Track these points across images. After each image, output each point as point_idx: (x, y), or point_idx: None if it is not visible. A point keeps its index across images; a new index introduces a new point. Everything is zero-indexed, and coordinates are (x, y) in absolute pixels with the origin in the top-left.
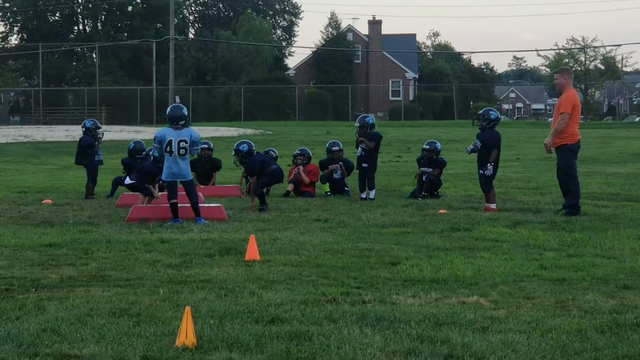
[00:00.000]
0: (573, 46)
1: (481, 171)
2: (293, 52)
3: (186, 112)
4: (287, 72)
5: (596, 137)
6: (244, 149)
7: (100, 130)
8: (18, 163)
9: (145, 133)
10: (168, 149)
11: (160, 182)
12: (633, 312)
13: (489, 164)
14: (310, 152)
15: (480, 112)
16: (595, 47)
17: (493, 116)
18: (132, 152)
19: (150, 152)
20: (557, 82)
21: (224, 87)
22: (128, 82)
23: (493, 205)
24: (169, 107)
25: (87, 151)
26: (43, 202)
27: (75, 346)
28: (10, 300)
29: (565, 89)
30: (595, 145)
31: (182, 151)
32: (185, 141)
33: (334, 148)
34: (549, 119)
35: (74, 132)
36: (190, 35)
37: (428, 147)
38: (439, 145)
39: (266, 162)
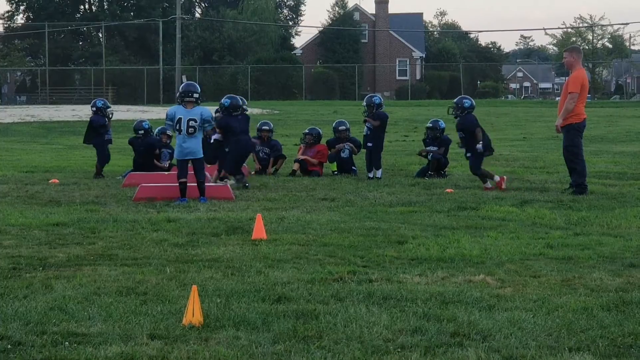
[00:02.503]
0: (581, 25)
1: (469, 154)
2: (300, 31)
3: (199, 89)
4: (294, 52)
5: (603, 116)
6: (226, 103)
7: (109, 109)
8: (25, 143)
9: (151, 113)
10: (178, 127)
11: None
12: (639, 290)
13: (477, 145)
14: (320, 132)
15: (454, 100)
16: (602, 25)
17: (467, 104)
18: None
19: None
20: (566, 61)
21: (230, 66)
22: (134, 62)
23: (489, 184)
24: (182, 85)
25: (99, 131)
26: (50, 181)
27: (82, 324)
28: (17, 279)
29: (574, 68)
30: (602, 124)
31: (191, 130)
32: (195, 120)
33: (340, 127)
34: (557, 98)
35: (81, 112)
36: (197, 15)
37: (431, 125)
38: (442, 123)
39: (234, 128)
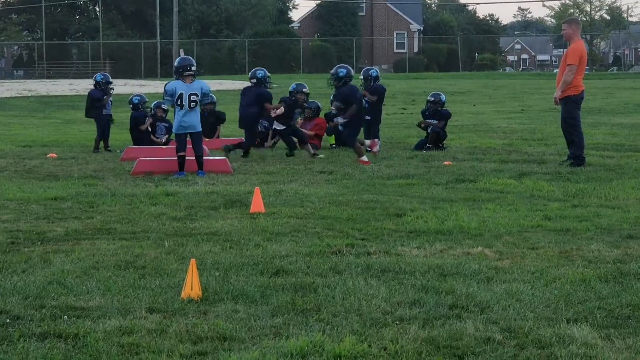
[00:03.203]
0: None
1: (343, 125)
2: (297, 4)
3: (195, 63)
4: (291, 25)
5: (601, 87)
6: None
7: (111, 85)
8: (22, 117)
9: (149, 87)
10: (179, 102)
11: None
12: (637, 262)
13: (342, 117)
14: (319, 105)
15: (332, 71)
16: None
17: (342, 73)
18: (137, 106)
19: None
20: (565, 33)
21: (228, 40)
22: (132, 36)
23: (365, 158)
24: (177, 59)
25: (95, 104)
26: (48, 156)
27: (81, 298)
28: (16, 253)
29: (572, 40)
30: (600, 95)
31: (192, 104)
32: (196, 94)
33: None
34: (555, 70)
35: (78, 86)
36: None
37: (432, 98)
38: (443, 97)
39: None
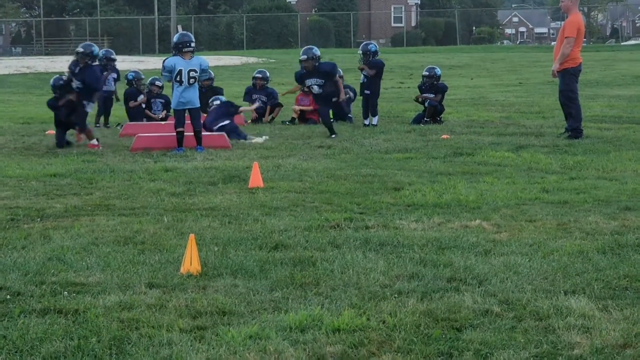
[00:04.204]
0: None
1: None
2: None
3: (193, 39)
4: (289, 0)
5: (599, 60)
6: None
7: (114, 62)
8: (21, 94)
9: (148, 63)
10: (178, 78)
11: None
12: (634, 233)
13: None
14: None
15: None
16: None
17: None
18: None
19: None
20: (563, 5)
21: (225, 15)
22: (129, 12)
23: (94, 141)
24: (176, 35)
25: None
26: (47, 132)
27: (81, 274)
28: (15, 230)
29: (570, 12)
30: (598, 68)
31: (191, 80)
32: (195, 70)
33: None
34: (552, 43)
35: None
36: None
37: (427, 73)
38: (438, 70)
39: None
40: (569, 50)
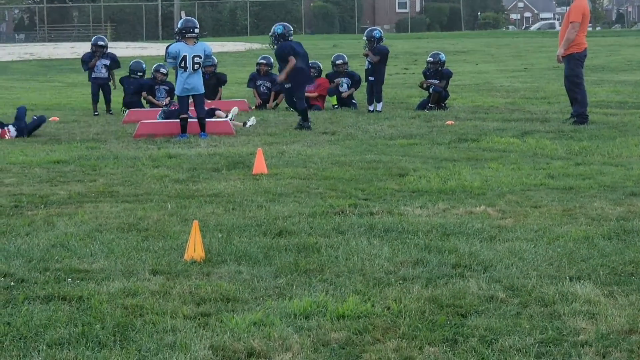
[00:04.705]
0: None
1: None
2: None
3: (198, 25)
4: None
5: (605, 45)
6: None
7: (103, 48)
8: (24, 81)
9: (151, 49)
10: (182, 65)
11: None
12: None
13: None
14: (320, 65)
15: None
16: None
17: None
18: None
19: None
20: None
21: (229, 1)
22: None
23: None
24: (180, 21)
25: (83, 67)
26: (50, 119)
27: (84, 261)
28: (19, 217)
29: None
30: (604, 53)
31: (196, 66)
32: (200, 56)
33: (338, 61)
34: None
35: (80, 50)
36: None
37: (432, 59)
38: (442, 56)
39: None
40: (574, 35)
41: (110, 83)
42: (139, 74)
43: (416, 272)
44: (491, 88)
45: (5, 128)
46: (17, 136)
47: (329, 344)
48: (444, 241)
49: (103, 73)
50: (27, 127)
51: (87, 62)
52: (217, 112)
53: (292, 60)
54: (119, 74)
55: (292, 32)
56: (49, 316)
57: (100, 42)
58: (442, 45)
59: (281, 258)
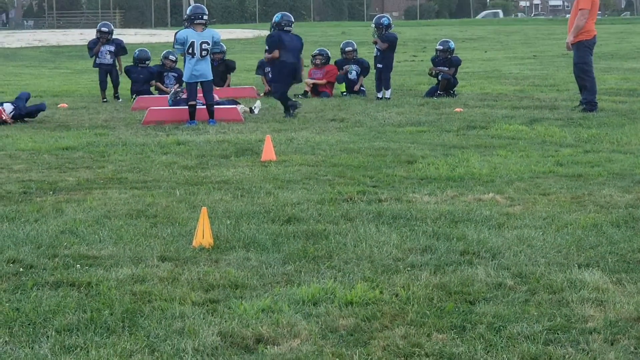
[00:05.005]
0: None
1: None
2: None
3: (207, 11)
4: None
5: (614, 32)
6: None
7: (107, 34)
8: (33, 67)
9: (160, 36)
10: (190, 51)
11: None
12: None
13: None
14: (328, 53)
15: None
16: None
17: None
18: (136, 60)
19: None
20: None
21: None
22: None
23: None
24: (189, 7)
25: (89, 53)
26: (59, 106)
27: (93, 247)
28: (28, 203)
29: None
30: (613, 40)
31: (204, 53)
32: (207, 42)
33: (347, 48)
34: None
35: (88, 36)
36: None
37: (441, 47)
38: (452, 44)
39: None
40: (583, 23)
41: (118, 69)
42: (146, 62)
43: (424, 259)
44: (500, 75)
45: (1, 107)
46: (12, 115)
47: (337, 331)
48: (452, 228)
49: (107, 59)
50: (25, 109)
51: (92, 48)
52: (239, 107)
53: (275, 54)
54: (126, 60)
55: (291, 22)
56: (57, 302)
57: (103, 29)
58: (451, 33)
59: (289, 245)
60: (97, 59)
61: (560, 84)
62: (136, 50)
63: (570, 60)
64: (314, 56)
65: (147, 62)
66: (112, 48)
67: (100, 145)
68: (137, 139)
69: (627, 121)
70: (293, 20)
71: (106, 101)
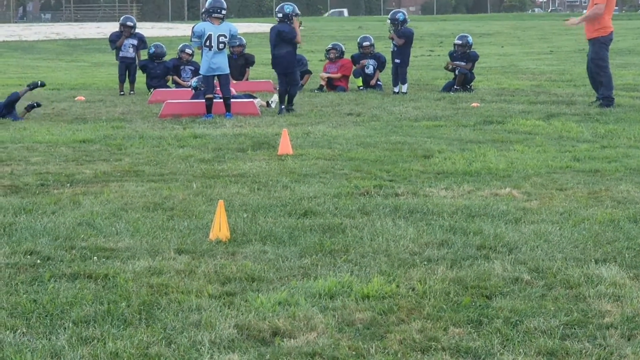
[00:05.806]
0: None
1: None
2: None
3: (225, 6)
4: None
5: (631, 28)
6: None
7: (131, 28)
8: (50, 60)
9: (177, 30)
10: (208, 43)
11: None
12: None
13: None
14: (342, 47)
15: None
16: None
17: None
18: (152, 56)
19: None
20: None
21: None
22: None
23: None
24: (208, 1)
25: (110, 46)
26: (76, 99)
27: (110, 239)
28: (45, 195)
29: None
30: (630, 36)
31: (221, 45)
32: (225, 35)
33: (364, 43)
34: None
35: (105, 29)
36: None
37: (460, 42)
38: (470, 39)
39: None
40: (595, 13)
41: (136, 64)
42: (163, 58)
43: (441, 254)
44: (517, 70)
45: None
46: None
47: (354, 324)
48: (469, 223)
49: (130, 53)
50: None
51: (114, 41)
52: (256, 101)
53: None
54: (144, 55)
55: (279, 13)
56: (74, 294)
57: (129, 23)
58: (467, 28)
59: (306, 238)
60: (120, 52)
61: (577, 79)
62: (151, 46)
63: (586, 55)
64: (327, 50)
65: (162, 59)
66: (135, 42)
67: (117, 138)
68: (154, 132)
69: None
70: (283, 10)
71: (123, 94)
